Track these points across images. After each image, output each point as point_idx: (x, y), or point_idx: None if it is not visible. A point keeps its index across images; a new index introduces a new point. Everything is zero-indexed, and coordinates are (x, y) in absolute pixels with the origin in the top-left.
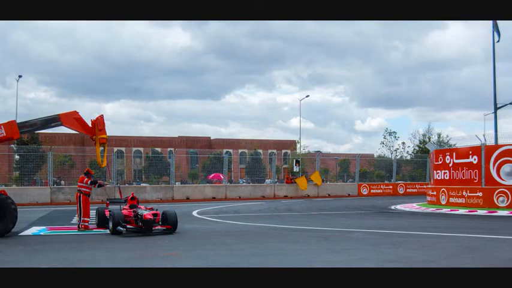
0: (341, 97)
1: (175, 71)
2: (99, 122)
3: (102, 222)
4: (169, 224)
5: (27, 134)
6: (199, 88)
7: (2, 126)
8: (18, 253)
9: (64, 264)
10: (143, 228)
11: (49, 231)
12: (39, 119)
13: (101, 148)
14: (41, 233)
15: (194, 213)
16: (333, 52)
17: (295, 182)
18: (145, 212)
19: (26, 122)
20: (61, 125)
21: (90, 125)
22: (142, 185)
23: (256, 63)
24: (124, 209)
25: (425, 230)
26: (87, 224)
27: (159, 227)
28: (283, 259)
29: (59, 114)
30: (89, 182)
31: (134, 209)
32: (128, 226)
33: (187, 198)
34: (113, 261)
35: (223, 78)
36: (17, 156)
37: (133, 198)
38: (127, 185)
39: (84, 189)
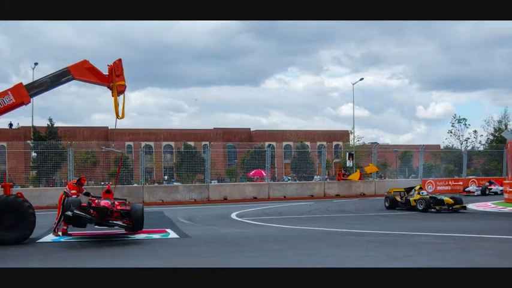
0: (400, 79)
1: (208, 54)
2: (116, 67)
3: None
4: (131, 219)
5: (45, 129)
6: (236, 73)
7: (10, 92)
8: (36, 262)
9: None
10: (95, 217)
11: (70, 237)
12: (48, 76)
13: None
14: (62, 240)
15: (233, 215)
16: (389, 27)
17: (349, 180)
18: (105, 201)
19: (33, 82)
20: (73, 78)
21: (105, 73)
22: (175, 184)
23: (300, 42)
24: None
25: (503, 232)
26: (65, 228)
27: (117, 222)
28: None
29: (68, 67)
30: (75, 182)
31: (95, 199)
32: (75, 211)
33: (225, 199)
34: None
35: (262, 61)
36: (34, 154)
37: (108, 191)
38: (156, 184)
39: (72, 193)
